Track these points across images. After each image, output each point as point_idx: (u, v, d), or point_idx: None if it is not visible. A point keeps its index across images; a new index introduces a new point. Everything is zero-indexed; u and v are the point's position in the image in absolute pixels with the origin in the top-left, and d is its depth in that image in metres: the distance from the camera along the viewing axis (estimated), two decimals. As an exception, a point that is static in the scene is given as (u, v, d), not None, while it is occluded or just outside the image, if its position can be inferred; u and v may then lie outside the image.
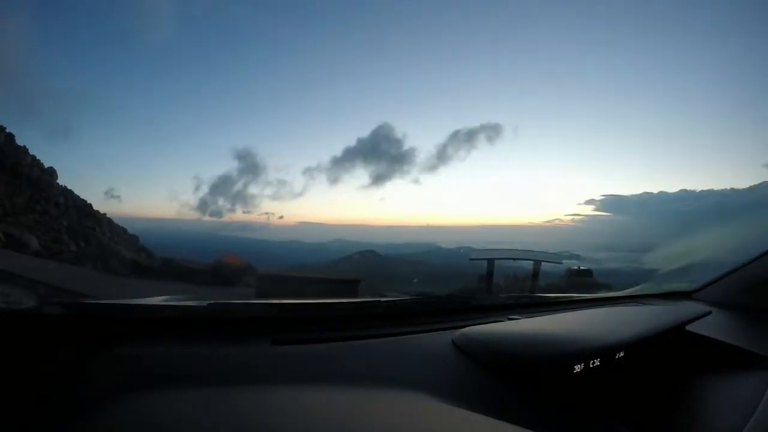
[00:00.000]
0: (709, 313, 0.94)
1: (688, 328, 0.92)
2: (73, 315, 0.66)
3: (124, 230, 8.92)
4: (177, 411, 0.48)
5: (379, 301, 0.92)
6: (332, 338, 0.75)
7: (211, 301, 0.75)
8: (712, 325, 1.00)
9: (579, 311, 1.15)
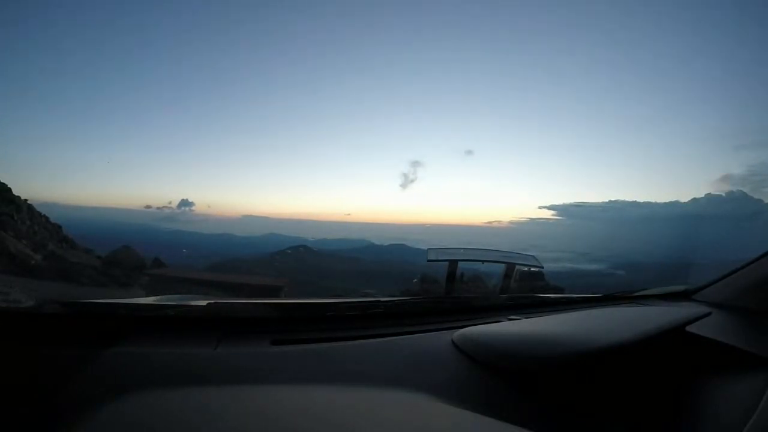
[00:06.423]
0: (709, 314, 0.94)
1: (688, 328, 0.92)
2: (73, 315, 0.66)
3: (46, 218, 7.77)
4: (176, 411, 0.48)
5: (379, 301, 0.91)
6: (332, 338, 0.75)
7: (211, 301, 0.75)
8: (712, 326, 1.00)
9: (579, 311, 1.15)
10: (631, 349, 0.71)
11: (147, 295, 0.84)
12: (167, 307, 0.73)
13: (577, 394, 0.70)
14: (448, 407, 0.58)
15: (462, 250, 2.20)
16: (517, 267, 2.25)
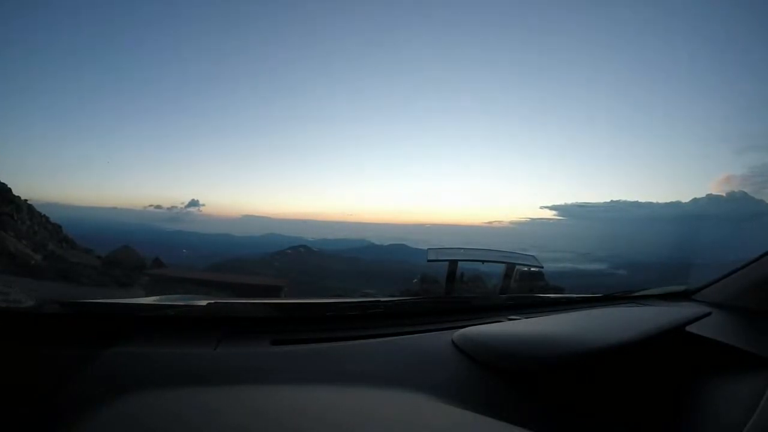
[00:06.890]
0: (709, 314, 0.94)
1: (688, 328, 0.92)
2: (73, 315, 0.66)
3: (47, 218, 7.76)
4: (176, 411, 0.48)
5: (379, 301, 0.92)
6: (332, 338, 0.75)
7: (211, 301, 0.75)
8: (712, 326, 1.00)
9: (579, 311, 1.15)
10: (631, 349, 0.71)
11: (147, 295, 0.84)
12: (167, 307, 0.73)
13: (577, 394, 0.70)
14: (448, 407, 0.58)
15: (462, 250, 2.19)
16: (517, 267, 2.24)
